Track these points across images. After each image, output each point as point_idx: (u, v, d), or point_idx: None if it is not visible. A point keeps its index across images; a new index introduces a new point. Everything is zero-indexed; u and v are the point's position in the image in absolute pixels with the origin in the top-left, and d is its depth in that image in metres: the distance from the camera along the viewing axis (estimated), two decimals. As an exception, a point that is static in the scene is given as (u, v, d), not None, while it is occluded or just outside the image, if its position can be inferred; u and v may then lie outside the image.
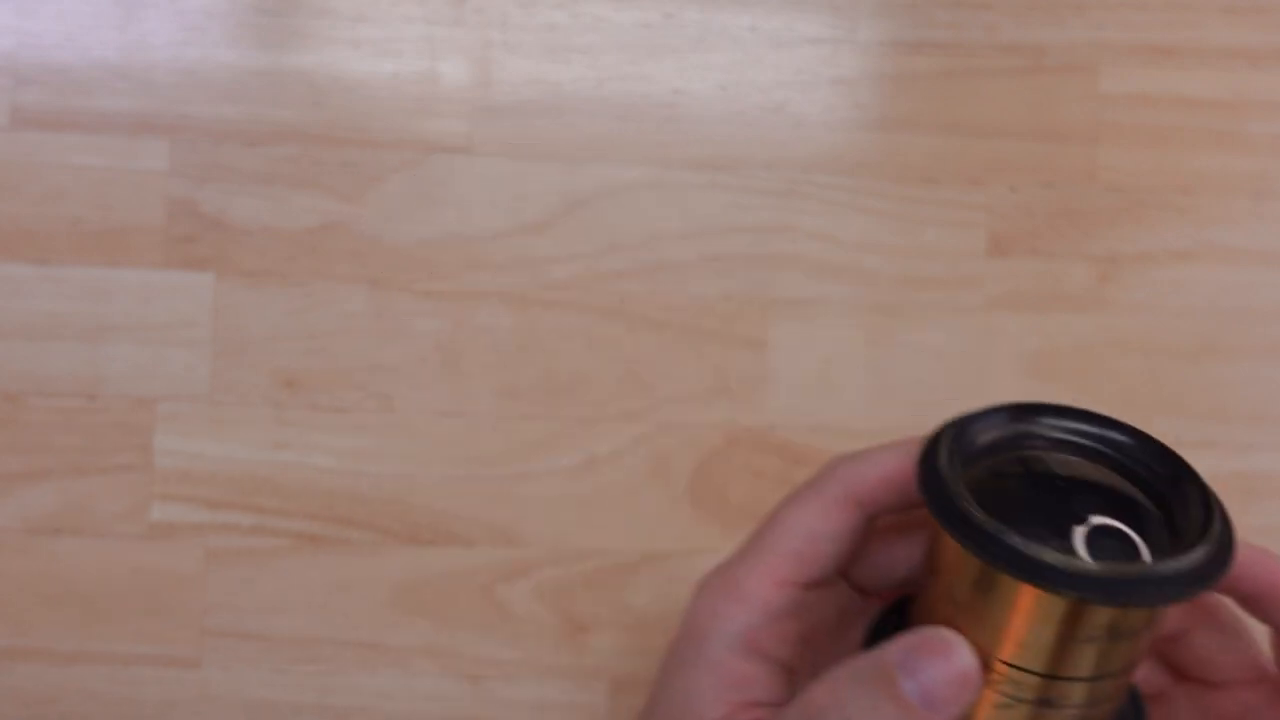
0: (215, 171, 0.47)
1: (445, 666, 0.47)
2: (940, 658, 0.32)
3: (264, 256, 0.47)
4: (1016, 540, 0.30)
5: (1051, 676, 0.32)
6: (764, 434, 0.48)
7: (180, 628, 0.46)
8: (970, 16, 0.49)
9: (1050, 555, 0.30)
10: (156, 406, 0.47)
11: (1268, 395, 0.49)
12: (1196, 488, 0.33)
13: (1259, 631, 0.37)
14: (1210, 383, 0.49)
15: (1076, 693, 0.32)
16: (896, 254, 0.48)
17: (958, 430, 0.34)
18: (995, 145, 0.49)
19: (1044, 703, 0.32)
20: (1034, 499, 0.33)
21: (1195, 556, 0.31)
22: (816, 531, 0.36)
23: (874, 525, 0.37)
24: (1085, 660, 0.32)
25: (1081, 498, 0.33)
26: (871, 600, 0.38)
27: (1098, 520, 0.32)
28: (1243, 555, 0.33)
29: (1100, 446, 0.34)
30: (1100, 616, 0.31)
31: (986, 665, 0.32)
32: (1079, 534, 0.32)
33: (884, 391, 0.48)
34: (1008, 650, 0.32)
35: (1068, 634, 0.31)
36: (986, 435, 0.34)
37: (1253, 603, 0.35)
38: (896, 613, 0.36)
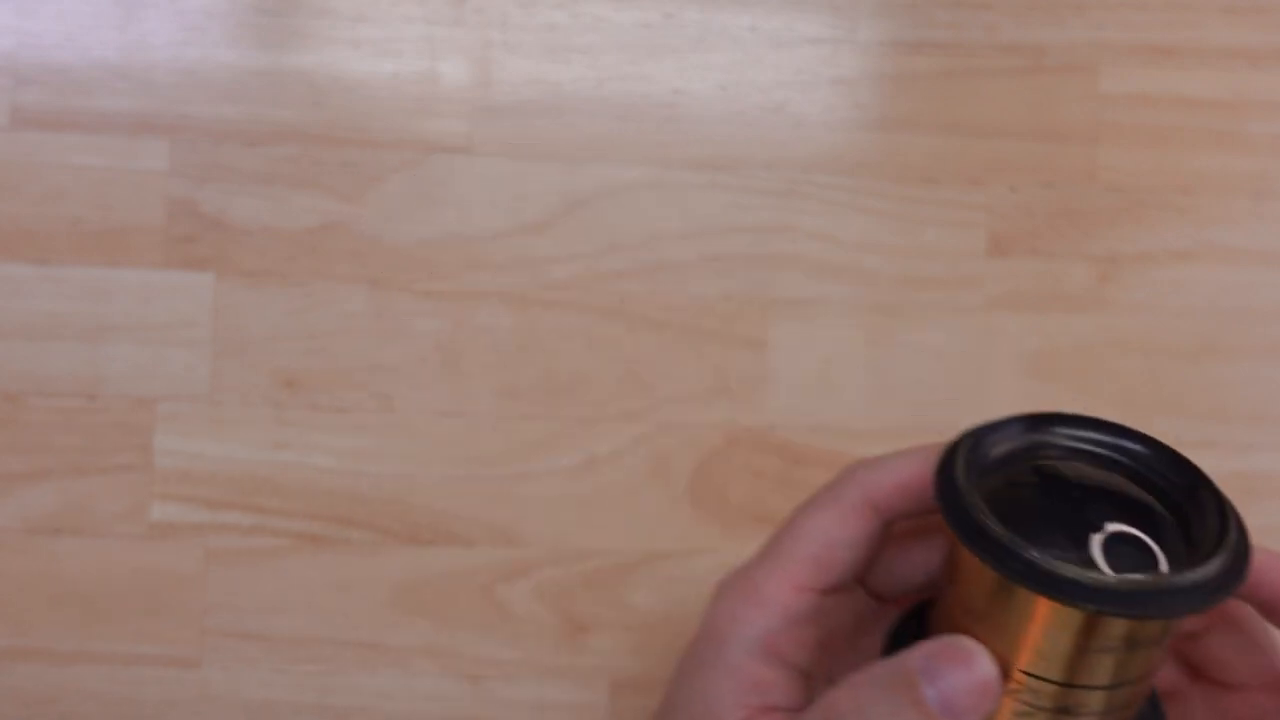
0: (215, 171, 0.47)
1: (445, 666, 0.47)
2: (961, 666, 0.32)
3: (264, 256, 0.47)
4: (1033, 554, 0.31)
5: (1069, 685, 0.32)
6: (764, 434, 0.48)
7: (180, 628, 0.46)
8: (970, 16, 0.49)
9: (1067, 568, 0.31)
10: (156, 406, 0.47)
11: (1268, 395, 0.49)
12: (1212, 497, 0.33)
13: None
14: (1210, 383, 0.49)
15: (1094, 701, 0.33)
16: (896, 254, 0.48)
17: (974, 441, 0.34)
18: (995, 145, 0.49)
19: (1062, 710, 0.33)
20: (1050, 508, 0.33)
21: (1212, 567, 0.31)
22: (835, 537, 0.36)
23: (890, 531, 0.37)
24: (1103, 669, 0.32)
25: (1098, 506, 0.33)
26: (887, 606, 0.38)
27: (1114, 528, 0.32)
28: (1259, 561, 0.33)
29: (1116, 455, 0.35)
30: (1117, 627, 0.32)
31: (1005, 673, 0.32)
32: (1096, 541, 0.32)
33: (884, 391, 0.48)
34: (1026, 659, 0.32)
35: (1085, 644, 0.32)
36: (1002, 445, 0.35)
37: (1269, 609, 0.36)
38: (914, 619, 0.36)
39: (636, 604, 0.48)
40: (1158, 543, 0.32)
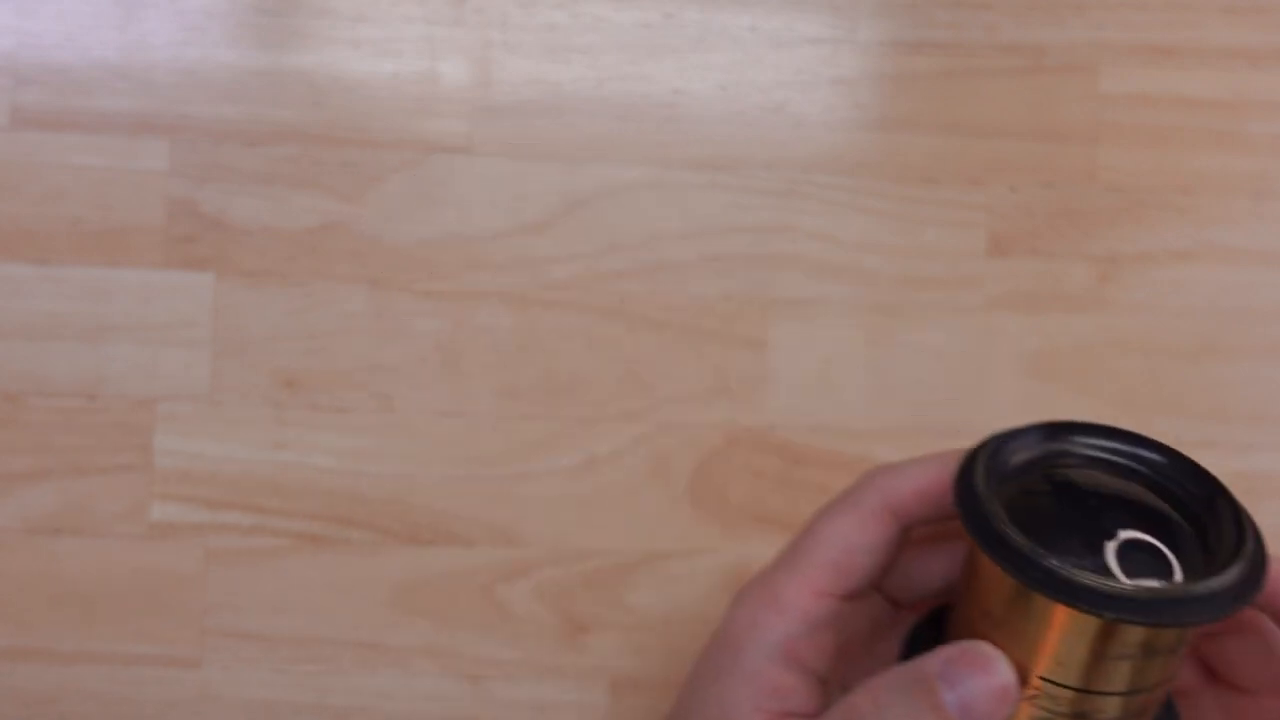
0: (215, 171, 0.47)
1: (445, 666, 0.47)
2: (981, 671, 0.33)
3: (264, 256, 0.47)
4: (1052, 562, 0.31)
5: (1086, 691, 0.33)
6: (764, 434, 0.48)
7: (180, 628, 0.46)
8: (970, 16, 0.49)
9: (1086, 577, 0.31)
10: (156, 406, 0.47)
11: (1268, 395, 0.49)
12: (1230, 506, 0.34)
13: None
14: (1210, 383, 0.49)
15: (1111, 707, 0.33)
16: (896, 254, 0.48)
17: (993, 448, 0.34)
18: (995, 145, 0.49)
19: (1079, 716, 0.33)
20: (1068, 515, 0.34)
21: (1229, 576, 0.32)
22: (854, 543, 0.36)
23: (908, 537, 0.37)
24: (1120, 676, 0.32)
25: (1114, 514, 0.34)
26: (904, 613, 0.39)
27: (1128, 535, 0.33)
28: (1275, 571, 0.33)
29: (1134, 465, 0.35)
30: (1134, 635, 0.32)
31: (1022, 679, 0.33)
32: (1110, 548, 0.33)
33: (884, 391, 0.48)
34: (1043, 665, 0.33)
35: (1102, 651, 0.32)
36: (1021, 453, 0.35)
37: None
38: (931, 625, 0.37)
39: (636, 604, 0.48)
40: (1173, 551, 0.33)
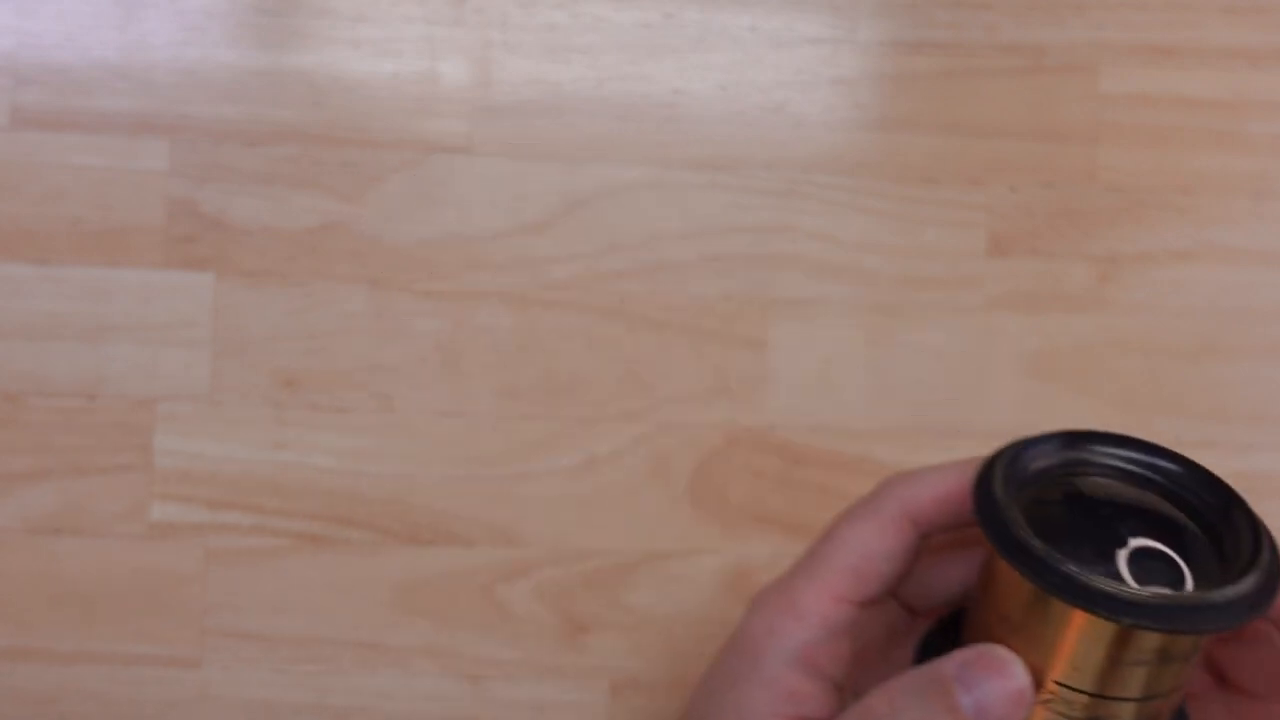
0: (215, 171, 0.47)
1: (445, 666, 0.47)
2: (997, 675, 0.33)
3: (264, 256, 0.47)
4: (1071, 567, 0.32)
5: (1101, 696, 0.33)
6: (764, 434, 0.48)
7: (180, 628, 0.46)
8: (970, 16, 0.49)
9: (1104, 583, 0.31)
10: (156, 406, 0.47)
11: (1268, 395, 0.49)
12: (1245, 516, 0.34)
13: None
14: (1210, 383, 0.49)
15: (1125, 712, 0.33)
16: (896, 254, 0.48)
17: (1011, 456, 0.35)
18: (995, 145, 0.49)
19: None
20: (1081, 523, 0.34)
21: (1245, 585, 0.32)
22: (873, 550, 0.36)
23: (925, 544, 0.37)
24: (1135, 681, 0.33)
25: (1128, 522, 0.34)
26: (918, 619, 0.39)
27: (1138, 543, 0.33)
28: None
29: (1150, 474, 0.35)
30: (1151, 641, 0.32)
31: (1038, 683, 0.33)
32: (1122, 556, 0.33)
33: (884, 391, 0.48)
34: (1059, 670, 0.33)
35: (1118, 656, 0.32)
36: (1039, 461, 0.35)
37: None
38: (944, 630, 0.37)
39: (636, 604, 0.48)
40: (1186, 560, 0.33)
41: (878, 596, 0.37)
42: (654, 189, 0.48)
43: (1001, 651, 0.33)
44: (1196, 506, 0.35)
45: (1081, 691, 0.33)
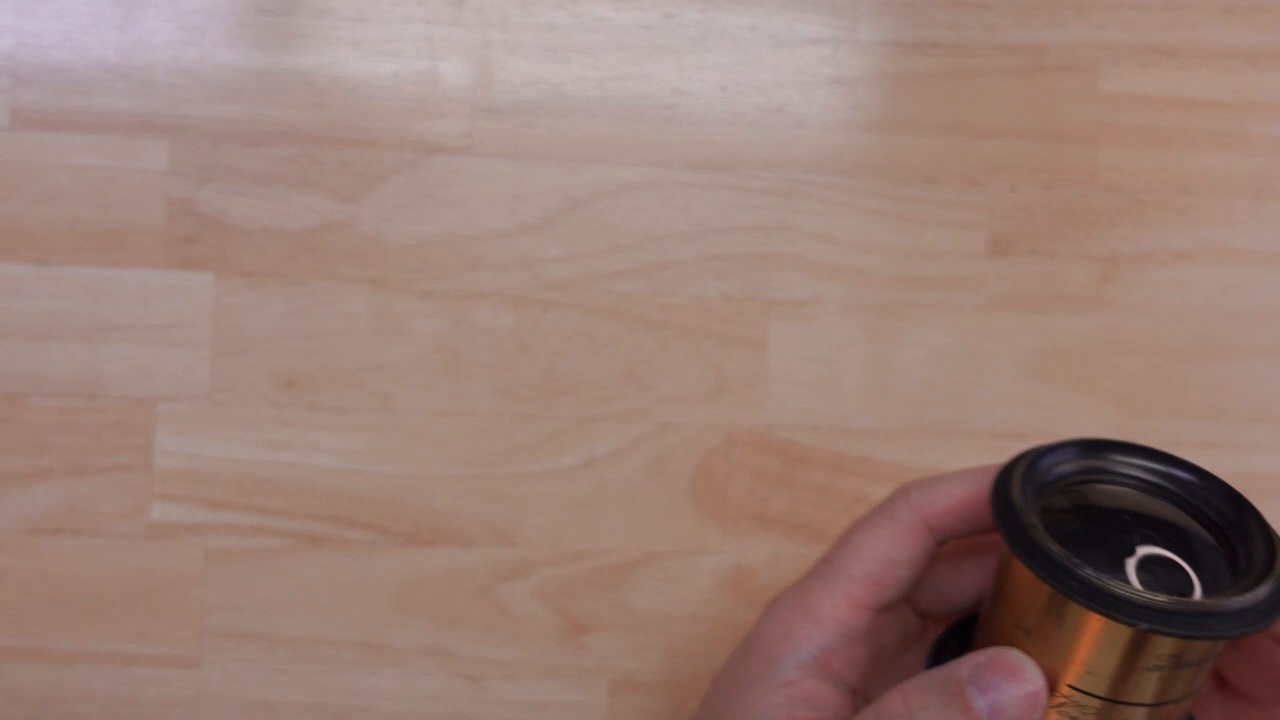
0: (215, 171, 0.47)
1: (445, 666, 0.47)
2: (1011, 678, 0.33)
3: (264, 256, 0.47)
4: (1088, 572, 0.32)
5: (1114, 701, 0.33)
6: (764, 434, 0.48)
7: (180, 628, 0.46)
8: (970, 16, 0.49)
9: (1121, 588, 0.32)
10: (156, 406, 0.47)
11: (1268, 395, 0.49)
12: (1260, 526, 0.34)
13: None
14: (1210, 383, 0.49)
15: (1137, 717, 0.34)
16: (896, 254, 0.48)
17: (1029, 462, 0.35)
18: (995, 145, 0.49)
19: None
20: (1093, 530, 0.34)
21: (1260, 593, 0.32)
22: (890, 556, 0.37)
23: (940, 550, 0.38)
24: (1148, 687, 0.33)
25: (1139, 530, 0.34)
26: (931, 625, 0.39)
27: (1147, 550, 0.34)
28: None
29: (1165, 484, 0.36)
30: (1165, 646, 0.33)
31: (1052, 687, 0.33)
32: (1131, 563, 0.33)
33: (884, 391, 0.48)
34: (1073, 674, 0.33)
35: (1133, 662, 0.33)
36: (1056, 468, 0.36)
37: None
38: (957, 635, 0.37)
39: (636, 604, 0.48)
40: (1197, 568, 0.34)
41: (894, 603, 0.37)
42: (654, 189, 0.48)
43: (1016, 655, 0.33)
44: (1210, 516, 0.35)
45: (1095, 696, 0.33)
